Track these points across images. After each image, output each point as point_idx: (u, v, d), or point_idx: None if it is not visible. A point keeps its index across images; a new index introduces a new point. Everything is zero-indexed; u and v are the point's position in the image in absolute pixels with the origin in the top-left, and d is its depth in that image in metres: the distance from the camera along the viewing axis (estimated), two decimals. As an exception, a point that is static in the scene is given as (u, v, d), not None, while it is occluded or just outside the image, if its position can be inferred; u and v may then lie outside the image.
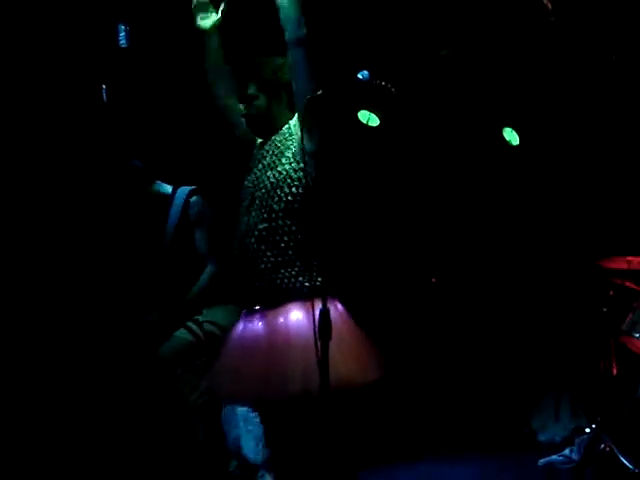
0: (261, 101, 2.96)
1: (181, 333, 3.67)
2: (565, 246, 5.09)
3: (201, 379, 3.49)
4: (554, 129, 5.08)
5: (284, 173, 2.87)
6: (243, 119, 3.04)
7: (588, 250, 4.73)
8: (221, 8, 3.00)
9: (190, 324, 3.67)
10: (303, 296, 2.76)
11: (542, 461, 4.30)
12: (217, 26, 3.02)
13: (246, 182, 2.99)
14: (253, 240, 2.86)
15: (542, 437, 4.79)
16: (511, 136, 5.21)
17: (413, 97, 4.89)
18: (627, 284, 4.35)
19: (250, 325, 2.87)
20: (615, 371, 4.25)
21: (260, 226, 2.86)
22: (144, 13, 4.14)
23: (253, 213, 2.90)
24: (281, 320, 2.78)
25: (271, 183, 2.88)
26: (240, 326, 2.92)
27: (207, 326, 3.66)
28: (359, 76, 2.68)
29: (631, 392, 4.07)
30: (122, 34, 4.04)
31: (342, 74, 2.88)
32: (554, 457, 4.30)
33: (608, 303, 4.31)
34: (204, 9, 3.01)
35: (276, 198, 2.86)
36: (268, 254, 2.83)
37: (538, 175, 5.23)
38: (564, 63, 4.74)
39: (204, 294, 3.70)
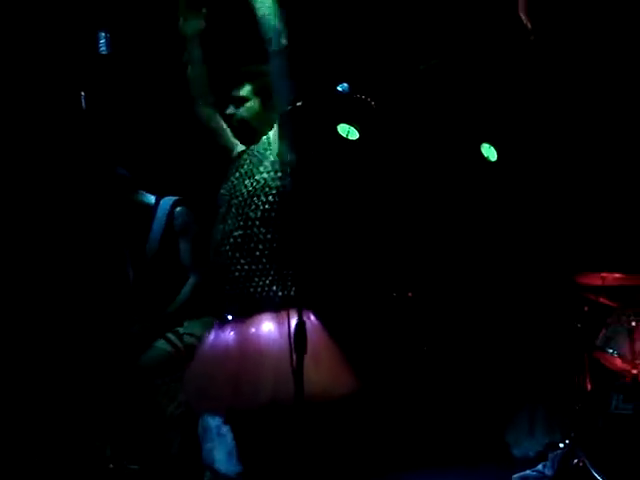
0: (254, 104, 2.95)
1: (160, 344, 3.64)
2: (540, 261, 5.12)
3: (179, 390, 3.47)
4: (532, 145, 5.13)
5: (262, 182, 2.87)
6: (224, 125, 3.04)
7: (563, 266, 4.77)
8: (202, 12, 3.02)
9: (170, 335, 3.65)
10: (276, 306, 2.76)
11: (516, 476, 4.30)
12: (200, 31, 3.03)
13: (222, 190, 2.99)
14: (228, 247, 2.86)
15: (516, 452, 4.80)
16: (489, 152, 5.25)
17: (393, 111, 4.91)
18: (601, 300, 4.39)
19: (222, 335, 2.86)
20: (589, 386, 4.28)
21: (235, 233, 2.85)
22: (124, 20, 4.13)
23: (229, 221, 2.89)
24: (252, 330, 2.77)
25: (248, 191, 2.88)
26: (212, 336, 2.91)
27: (187, 338, 3.63)
28: (339, 89, 2.68)
29: (604, 407, 4.09)
30: (102, 41, 4.02)
31: (322, 86, 2.89)
32: (528, 472, 4.30)
33: (582, 319, 4.34)
34: (189, 14, 3.02)
35: (253, 206, 2.86)
36: (242, 262, 2.82)
37: (515, 191, 5.27)
38: (543, 80, 4.79)
39: (186, 306, 3.67)
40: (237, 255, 2.83)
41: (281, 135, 2.86)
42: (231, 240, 2.85)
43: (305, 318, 2.46)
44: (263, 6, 2.79)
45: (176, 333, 3.65)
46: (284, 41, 2.77)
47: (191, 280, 3.68)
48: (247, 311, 2.81)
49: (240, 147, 3.05)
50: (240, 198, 2.89)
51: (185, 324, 3.68)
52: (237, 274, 2.82)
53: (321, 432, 2.85)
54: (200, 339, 3.51)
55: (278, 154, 2.87)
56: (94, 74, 4.21)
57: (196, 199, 3.92)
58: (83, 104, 4.17)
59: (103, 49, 4.07)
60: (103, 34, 4.06)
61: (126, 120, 4.44)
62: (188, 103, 3.09)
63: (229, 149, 3.06)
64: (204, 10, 3.02)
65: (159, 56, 4.21)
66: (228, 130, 3.06)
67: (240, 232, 2.85)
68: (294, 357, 2.35)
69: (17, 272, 4.08)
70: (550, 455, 4.31)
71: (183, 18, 3.02)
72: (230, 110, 2.99)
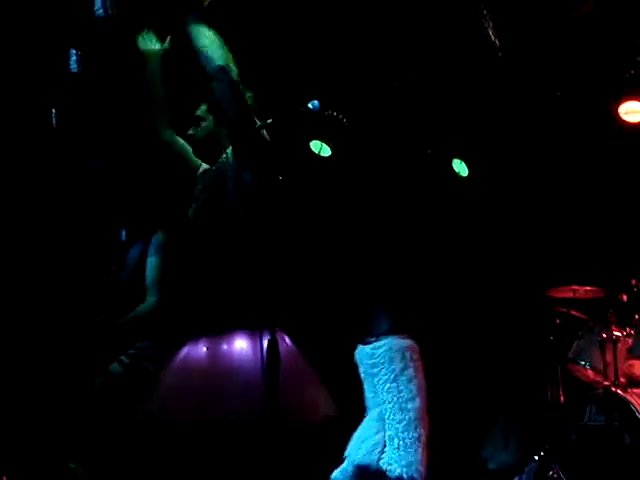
0: (208, 123, 2.95)
1: (114, 367, 3.60)
2: (512, 276, 5.16)
3: (135, 412, 3.42)
4: (502, 160, 5.18)
5: (228, 206, 2.85)
6: (186, 146, 3.04)
7: (534, 280, 4.81)
8: (166, 42, 3.06)
9: (123, 358, 3.61)
10: (249, 326, 2.74)
11: (491, 489, 4.32)
12: (160, 53, 3.07)
13: (189, 215, 2.97)
14: (202, 275, 2.84)
15: (492, 465, 4.81)
16: (460, 167, 5.28)
17: (364, 127, 4.93)
18: (573, 312, 4.44)
19: (194, 350, 2.84)
20: (562, 398, 4.32)
21: (207, 260, 2.84)
22: (95, 38, 4.13)
23: (199, 246, 2.87)
24: (225, 347, 2.76)
25: (215, 217, 2.86)
26: (184, 351, 2.89)
27: (140, 360, 3.59)
28: (309, 106, 2.68)
29: (577, 418, 4.13)
30: (73, 59, 4.01)
31: (292, 104, 2.89)
32: (504, 485, 4.32)
33: (554, 331, 4.39)
34: (149, 37, 3.07)
35: (222, 232, 2.84)
36: (217, 287, 2.81)
37: (487, 206, 5.31)
38: (511, 97, 4.85)
39: (139, 323, 3.62)
40: (211, 281, 2.82)
41: (240, 156, 2.85)
42: (204, 267, 2.84)
43: (279, 339, 2.46)
44: (202, 37, 2.80)
45: (129, 355, 3.61)
46: (221, 66, 2.77)
47: (150, 299, 3.63)
48: (221, 331, 2.80)
49: (204, 166, 3.04)
50: (208, 223, 2.87)
51: (138, 346, 3.63)
52: (212, 300, 2.81)
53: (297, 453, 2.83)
54: (154, 361, 3.47)
55: (237, 175, 2.85)
56: (65, 91, 4.19)
57: (165, 219, 3.90)
58: (53, 121, 4.15)
59: (74, 67, 4.06)
60: (74, 52, 4.05)
61: (96, 137, 4.43)
62: (153, 125, 3.10)
63: (194, 168, 3.05)
64: (168, 41, 3.06)
65: (128, 73, 4.20)
66: (190, 151, 3.06)
67: (213, 259, 2.82)
68: (266, 375, 2.35)
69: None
70: (525, 468, 4.32)
71: (141, 37, 3.08)
72: (190, 131, 3.00)
